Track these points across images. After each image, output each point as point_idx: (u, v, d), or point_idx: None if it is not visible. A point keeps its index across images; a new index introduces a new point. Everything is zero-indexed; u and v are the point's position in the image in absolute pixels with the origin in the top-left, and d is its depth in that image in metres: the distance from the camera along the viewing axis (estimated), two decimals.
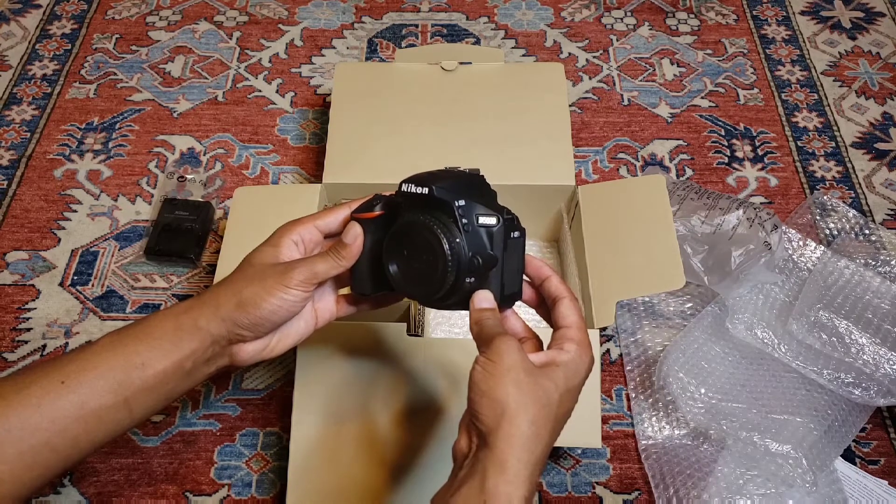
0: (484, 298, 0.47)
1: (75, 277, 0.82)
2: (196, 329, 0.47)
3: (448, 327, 0.76)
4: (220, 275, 0.66)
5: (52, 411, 0.44)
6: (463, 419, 0.45)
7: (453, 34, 1.08)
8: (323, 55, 1.05)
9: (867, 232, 0.85)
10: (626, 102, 1.00)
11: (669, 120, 0.98)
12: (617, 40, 1.08)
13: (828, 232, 0.86)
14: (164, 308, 0.50)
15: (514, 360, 0.42)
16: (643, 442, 0.71)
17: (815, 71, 1.04)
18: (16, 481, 0.43)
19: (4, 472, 0.43)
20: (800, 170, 0.93)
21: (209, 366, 0.49)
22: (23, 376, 0.45)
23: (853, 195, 0.91)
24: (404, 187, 0.48)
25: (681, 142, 0.95)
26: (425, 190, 0.47)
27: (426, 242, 0.46)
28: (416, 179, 0.48)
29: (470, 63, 0.85)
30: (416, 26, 1.09)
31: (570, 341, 0.45)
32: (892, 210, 0.89)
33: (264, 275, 0.48)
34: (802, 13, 1.12)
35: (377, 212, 0.50)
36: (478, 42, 1.07)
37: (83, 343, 0.46)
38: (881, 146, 0.96)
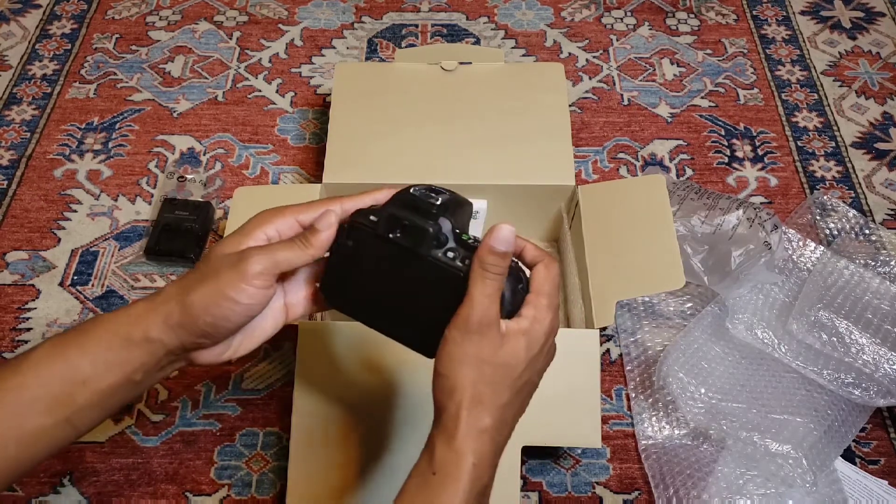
0: None
1: (75, 277, 0.82)
2: (147, 341, 0.42)
3: None
4: None
5: None
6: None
7: (453, 34, 1.08)
8: (323, 55, 1.05)
9: (867, 232, 0.85)
10: (626, 102, 1.00)
11: (669, 120, 0.98)
12: (617, 40, 1.08)
13: (828, 232, 0.86)
14: (113, 312, 0.44)
15: (479, 344, 0.42)
16: (643, 442, 0.71)
17: (815, 71, 1.04)
18: None
19: None
20: (800, 170, 0.93)
21: (162, 372, 0.44)
22: None
23: (853, 195, 0.91)
24: None
25: (681, 142, 0.95)
26: None
27: None
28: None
29: (470, 63, 0.85)
30: (416, 26, 1.09)
31: (530, 306, 0.44)
32: (892, 210, 0.89)
33: (218, 269, 0.42)
34: (802, 13, 1.12)
35: None
36: (478, 42, 1.07)
37: (23, 351, 0.43)
38: (881, 146, 0.96)
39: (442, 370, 0.42)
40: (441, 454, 0.41)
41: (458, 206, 0.44)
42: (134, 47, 1.06)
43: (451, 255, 0.43)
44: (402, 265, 0.44)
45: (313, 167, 0.92)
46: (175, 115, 0.98)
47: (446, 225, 0.43)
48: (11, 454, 0.41)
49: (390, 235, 0.43)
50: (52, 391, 0.41)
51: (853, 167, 0.93)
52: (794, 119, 0.98)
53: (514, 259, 0.45)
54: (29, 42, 1.07)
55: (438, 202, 0.43)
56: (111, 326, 0.42)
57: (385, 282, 0.45)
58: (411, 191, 0.44)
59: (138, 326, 0.42)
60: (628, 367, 0.76)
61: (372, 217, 0.44)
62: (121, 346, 0.42)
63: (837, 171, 0.93)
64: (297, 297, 0.48)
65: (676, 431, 0.71)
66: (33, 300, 0.81)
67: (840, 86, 1.02)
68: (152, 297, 0.43)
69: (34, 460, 0.42)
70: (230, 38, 1.07)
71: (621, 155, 0.94)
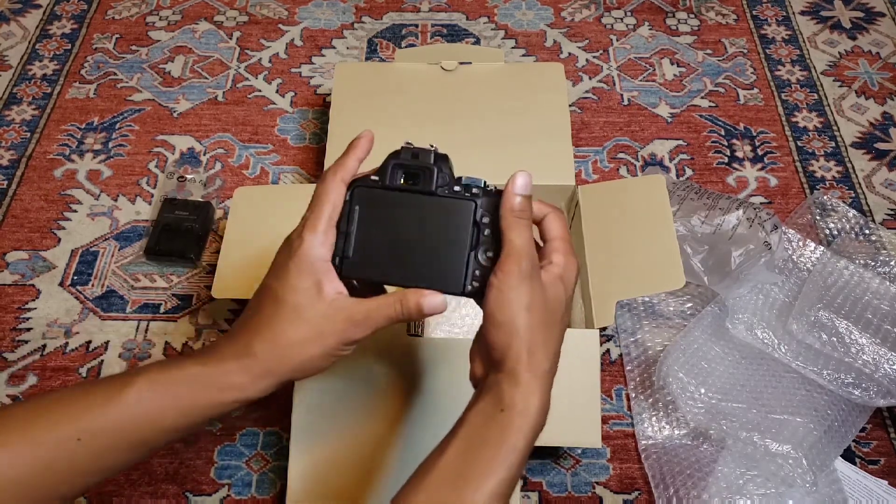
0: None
1: (75, 277, 0.82)
2: (234, 403, 0.45)
3: (448, 327, 0.76)
4: (219, 275, 0.66)
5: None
6: (473, 348, 0.46)
7: (453, 34, 1.08)
8: (323, 55, 1.05)
9: (867, 232, 0.85)
10: (626, 102, 1.00)
11: (669, 120, 0.98)
12: (617, 40, 1.08)
13: (828, 232, 0.86)
14: (206, 365, 0.45)
15: (531, 289, 0.43)
16: (643, 442, 0.71)
17: (815, 71, 1.04)
18: None
19: None
20: (800, 170, 0.93)
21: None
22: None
23: (853, 195, 0.91)
24: None
25: (681, 142, 0.95)
26: None
27: None
28: None
29: (470, 63, 0.85)
30: (416, 26, 1.09)
31: (558, 252, 0.46)
32: (892, 210, 0.89)
33: (322, 332, 0.44)
34: (802, 13, 1.12)
35: None
36: (478, 42, 1.07)
37: (117, 378, 0.45)
38: (881, 146, 0.96)
39: (500, 318, 0.43)
40: (510, 394, 0.42)
41: (444, 157, 0.47)
42: (134, 47, 1.06)
43: (457, 189, 0.46)
44: (413, 210, 0.46)
45: (313, 167, 0.92)
46: (175, 115, 0.98)
47: (445, 168, 0.47)
48: (84, 482, 0.44)
49: (398, 184, 0.47)
50: (142, 436, 0.44)
51: (853, 167, 0.93)
52: (794, 119, 0.98)
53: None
54: (29, 42, 1.07)
55: (434, 150, 0.47)
56: (206, 384, 0.45)
57: (398, 233, 0.47)
58: (403, 146, 0.47)
59: (232, 391, 0.45)
60: (628, 367, 0.76)
61: (374, 177, 0.47)
62: (212, 406, 0.45)
63: (837, 171, 0.93)
64: None
65: (676, 431, 0.71)
66: (33, 300, 0.81)
67: (840, 86, 1.02)
68: (241, 357, 0.45)
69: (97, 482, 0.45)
70: (230, 38, 1.07)
71: (621, 155, 0.94)
